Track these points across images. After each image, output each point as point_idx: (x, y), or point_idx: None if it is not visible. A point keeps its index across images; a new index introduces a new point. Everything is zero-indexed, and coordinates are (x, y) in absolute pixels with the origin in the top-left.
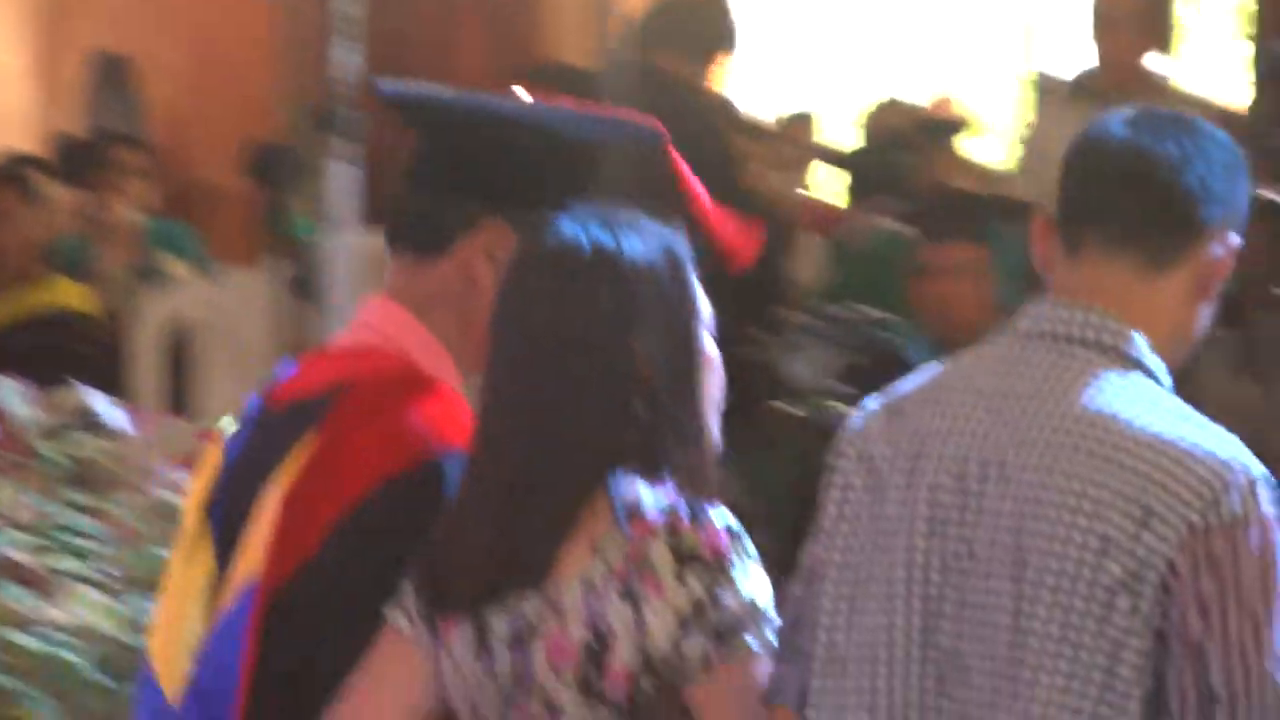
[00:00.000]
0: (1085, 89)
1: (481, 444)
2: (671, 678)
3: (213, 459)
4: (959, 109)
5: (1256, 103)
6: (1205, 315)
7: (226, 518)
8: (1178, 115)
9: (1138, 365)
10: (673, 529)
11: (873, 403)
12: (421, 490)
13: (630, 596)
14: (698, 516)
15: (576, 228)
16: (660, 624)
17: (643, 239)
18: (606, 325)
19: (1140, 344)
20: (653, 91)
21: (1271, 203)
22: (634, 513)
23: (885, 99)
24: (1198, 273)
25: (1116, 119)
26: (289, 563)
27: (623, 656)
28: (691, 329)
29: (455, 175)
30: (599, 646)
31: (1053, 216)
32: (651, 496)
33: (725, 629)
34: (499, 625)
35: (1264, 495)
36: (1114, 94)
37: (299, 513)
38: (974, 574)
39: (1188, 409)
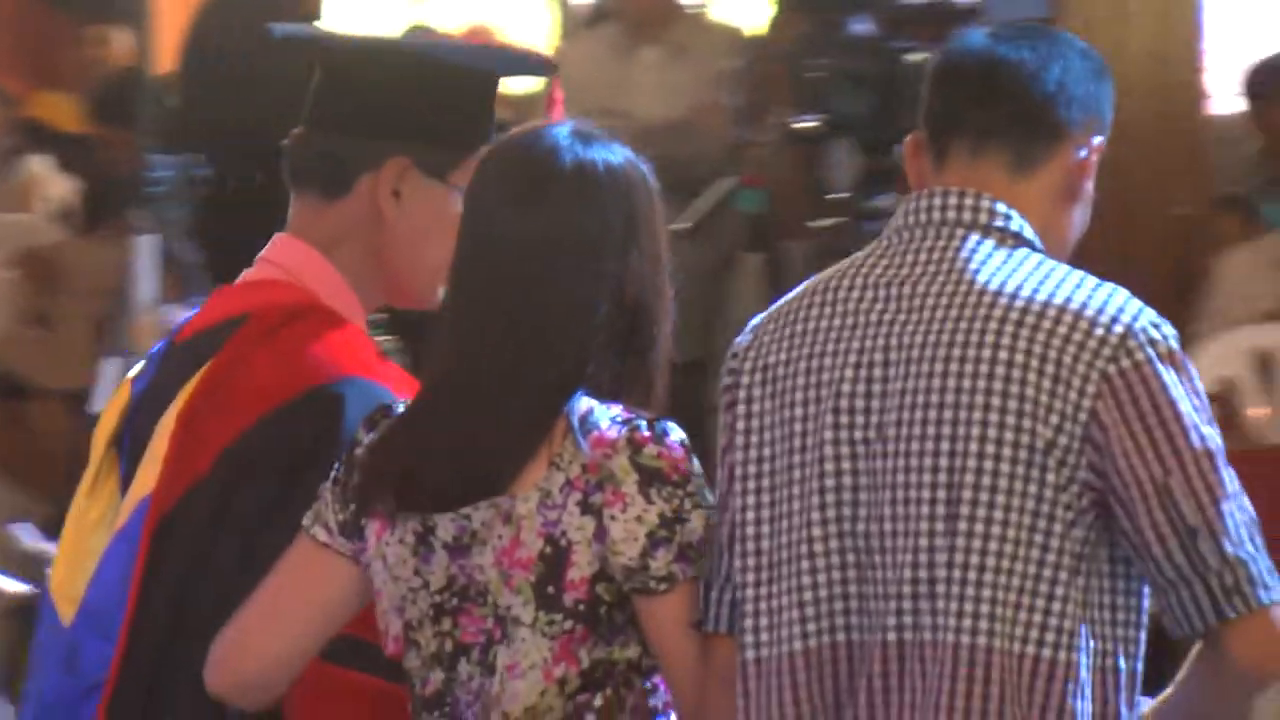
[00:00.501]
0: (607, 14)
1: (449, 353)
2: (632, 588)
3: (123, 395)
4: (494, 35)
5: (784, 32)
6: (1077, 217)
7: (130, 449)
8: (1037, 26)
9: (1021, 240)
10: (634, 443)
11: (758, 317)
12: (313, 416)
13: (590, 508)
14: (657, 433)
15: (558, 140)
16: (626, 535)
17: (620, 154)
18: (606, 239)
19: (1020, 221)
20: None
21: (802, 132)
22: (589, 427)
23: (415, 25)
24: (1063, 175)
25: (977, 33)
26: (180, 483)
27: (581, 565)
28: (663, 245)
29: (356, 113)
30: (556, 555)
31: (920, 133)
32: (604, 411)
33: (689, 547)
34: (444, 531)
35: (1167, 332)
36: (636, 18)
37: (192, 434)
38: (889, 456)
39: (1077, 273)
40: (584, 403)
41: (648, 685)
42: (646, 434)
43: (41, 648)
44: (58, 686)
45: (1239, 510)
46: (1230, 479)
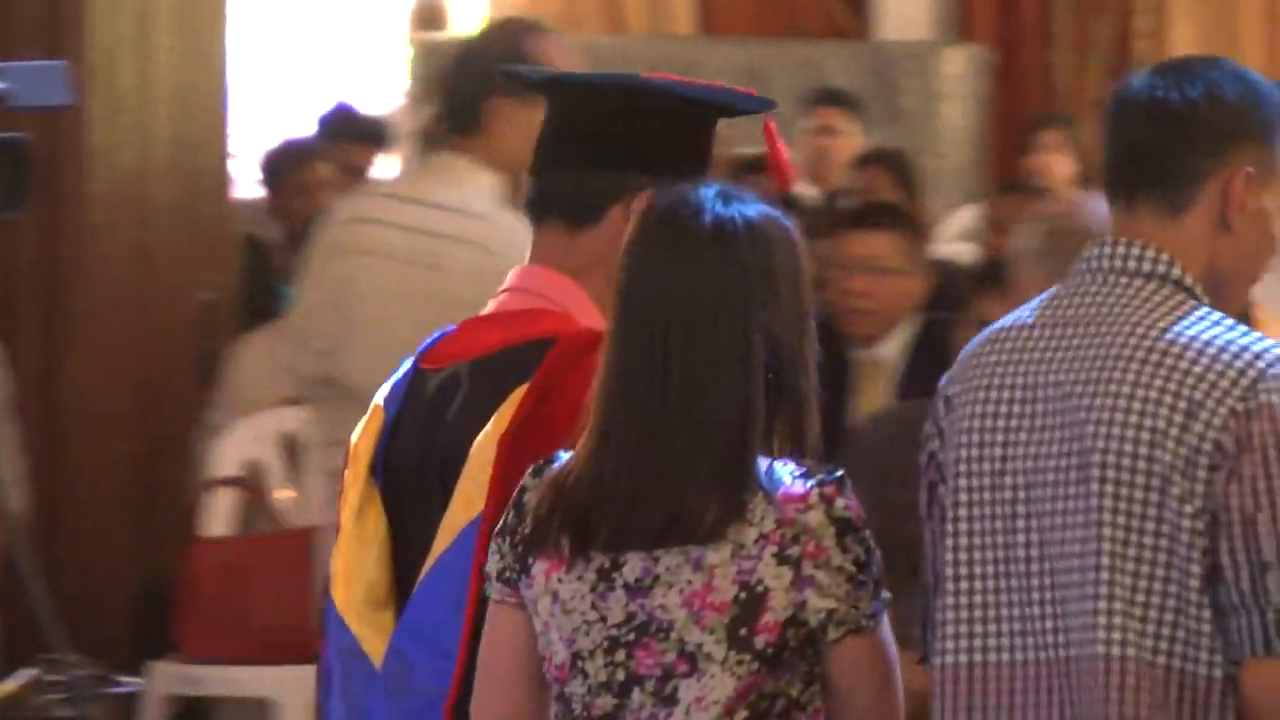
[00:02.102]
0: None
1: (617, 406)
2: (831, 632)
3: (375, 422)
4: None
5: None
6: (1247, 248)
7: (392, 473)
8: (1189, 61)
9: (1178, 285)
10: (825, 498)
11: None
12: None
13: (786, 560)
14: (841, 485)
15: (700, 200)
16: (832, 582)
17: (759, 211)
18: (744, 294)
19: (1179, 266)
20: None
21: None
22: (775, 483)
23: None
24: (1215, 208)
25: (1138, 77)
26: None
27: (776, 611)
28: (807, 301)
29: (600, 148)
30: (751, 601)
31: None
32: (783, 467)
33: (879, 584)
34: (629, 571)
35: None
36: None
37: (519, 456)
38: (1040, 486)
39: (1223, 317)
40: (761, 460)
41: (795, 717)
42: (833, 488)
43: (338, 669)
44: (386, 708)
45: None
46: None
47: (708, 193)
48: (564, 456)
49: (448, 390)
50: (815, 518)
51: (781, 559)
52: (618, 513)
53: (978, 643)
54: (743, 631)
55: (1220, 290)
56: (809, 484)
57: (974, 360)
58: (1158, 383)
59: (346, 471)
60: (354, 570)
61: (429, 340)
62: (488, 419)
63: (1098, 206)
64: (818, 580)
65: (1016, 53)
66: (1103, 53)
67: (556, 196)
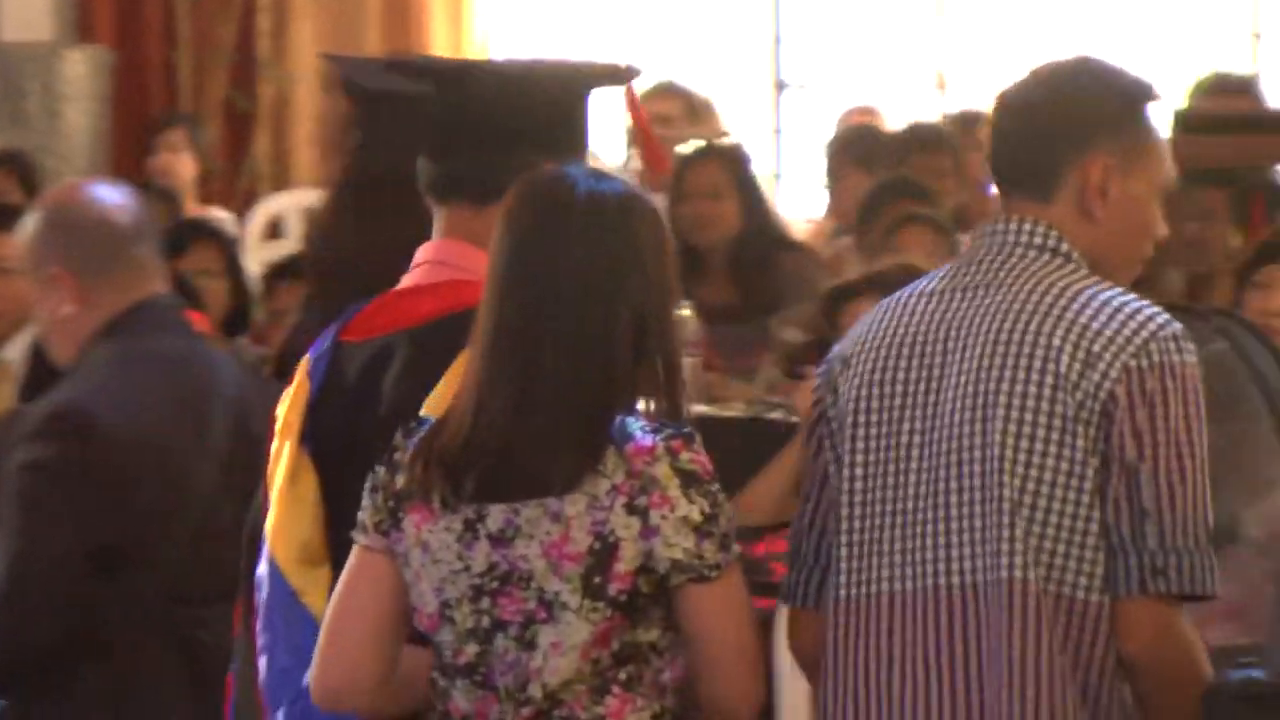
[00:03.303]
0: None
1: (488, 370)
2: (687, 578)
3: (300, 392)
4: None
5: None
6: (1114, 235)
7: (321, 440)
8: (1066, 61)
9: (1067, 258)
10: (671, 450)
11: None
12: None
13: (635, 510)
14: (687, 439)
15: (572, 178)
16: (674, 531)
17: (625, 189)
18: (611, 268)
19: (1067, 243)
20: None
21: None
22: (624, 437)
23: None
24: (1077, 197)
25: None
26: None
27: (626, 560)
28: (669, 271)
29: (497, 130)
30: (604, 551)
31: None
32: (634, 422)
33: (727, 536)
34: (492, 523)
35: (1186, 348)
36: None
37: None
38: (945, 429)
39: (1114, 285)
40: (620, 416)
41: (659, 664)
42: (679, 441)
43: (280, 619)
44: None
45: (1194, 511)
46: (1196, 484)
47: (579, 172)
48: (430, 419)
49: (380, 360)
50: (661, 469)
51: (631, 509)
52: (485, 467)
53: (866, 574)
54: (597, 579)
55: (1099, 273)
56: (656, 438)
57: (874, 323)
58: (1059, 333)
59: (275, 440)
60: (289, 529)
61: (345, 314)
62: (431, 383)
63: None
64: (663, 530)
65: (139, 53)
66: (225, 52)
67: (461, 177)
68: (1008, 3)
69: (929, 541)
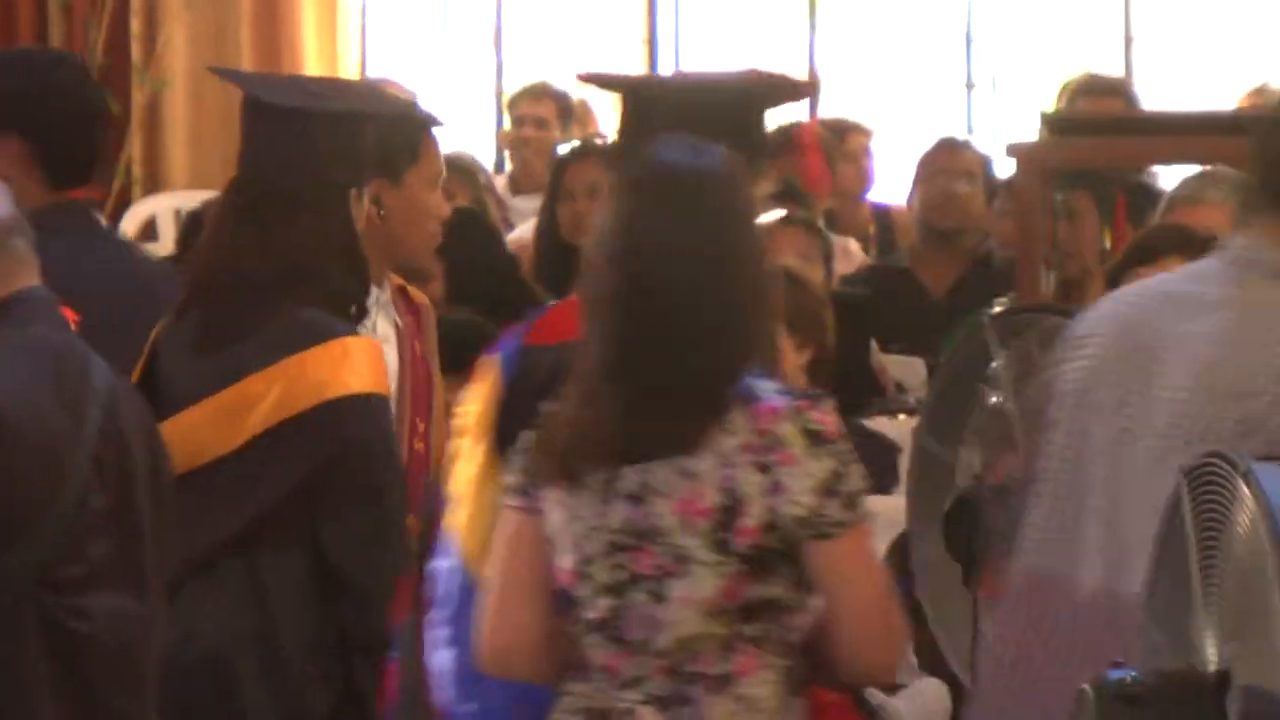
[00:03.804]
0: None
1: (613, 339)
2: (799, 536)
3: (491, 394)
4: None
5: None
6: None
7: (508, 439)
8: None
9: None
10: (797, 410)
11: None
12: None
13: (762, 467)
14: (814, 400)
15: (671, 149)
16: (800, 489)
17: (724, 156)
18: (722, 234)
19: None
20: None
21: None
22: (753, 398)
23: None
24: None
25: None
26: None
27: (753, 516)
28: (761, 235)
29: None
30: (732, 507)
31: None
32: (763, 385)
33: (853, 496)
34: (626, 482)
35: None
36: None
37: None
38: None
39: None
40: (743, 378)
41: (788, 622)
42: (806, 401)
43: (464, 616)
44: None
45: None
46: None
47: (681, 145)
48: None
49: (566, 364)
50: (788, 429)
51: (758, 467)
52: (617, 431)
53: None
54: (724, 535)
55: None
56: (785, 398)
57: (1114, 309)
58: None
59: (463, 439)
60: (479, 526)
61: (530, 318)
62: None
63: None
64: (789, 488)
65: None
66: (97, 57)
67: None
68: (880, 9)
69: (1103, 543)
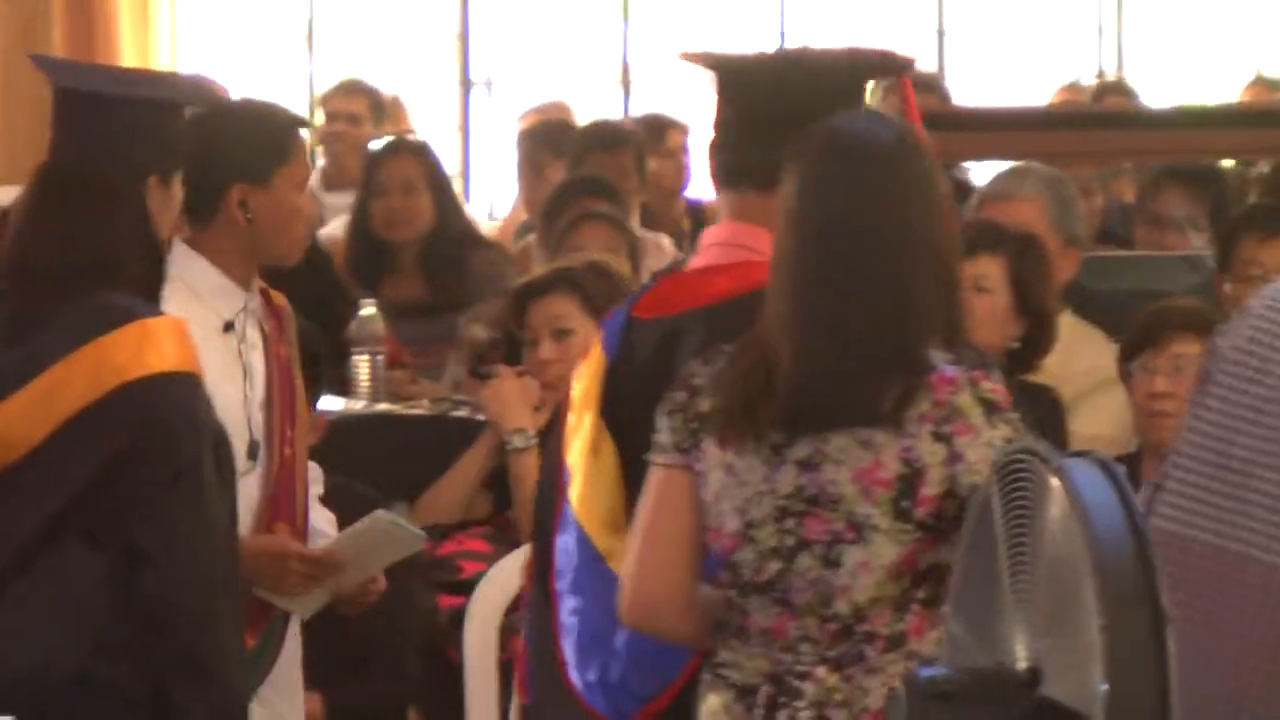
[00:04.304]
0: None
1: (794, 309)
2: None
3: (597, 367)
4: None
5: None
6: None
7: (616, 413)
8: None
9: None
10: (973, 380)
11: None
12: None
13: (941, 437)
14: (988, 369)
15: (851, 122)
16: (979, 458)
17: (906, 127)
18: (903, 205)
19: None
20: None
21: None
22: (931, 369)
23: None
24: None
25: None
26: None
27: (933, 484)
28: (947, 204)
29: (785, 120)
30: (912, 476)
31: None
32: (937, 355)
33: None
34: (799, 449)
35: None
36: None
37: None
38: None
39: None
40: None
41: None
42: (980, 371)
43: (589, 574)
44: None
45: None
46: None
47: (860, 118)
48: (726, 349)
49: (673, 336)
50: (964, 398)
51: (937, 436)
52: (796, 399)
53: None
54: (904, 504)
55: None
56: (959, 368)
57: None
58: None
59: (571, 413)
60: (593, 498)
61: (637, 292)
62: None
63: None
64: (967, 456)
65: None
66: None
67: (746, 165)
68: (692, 5)
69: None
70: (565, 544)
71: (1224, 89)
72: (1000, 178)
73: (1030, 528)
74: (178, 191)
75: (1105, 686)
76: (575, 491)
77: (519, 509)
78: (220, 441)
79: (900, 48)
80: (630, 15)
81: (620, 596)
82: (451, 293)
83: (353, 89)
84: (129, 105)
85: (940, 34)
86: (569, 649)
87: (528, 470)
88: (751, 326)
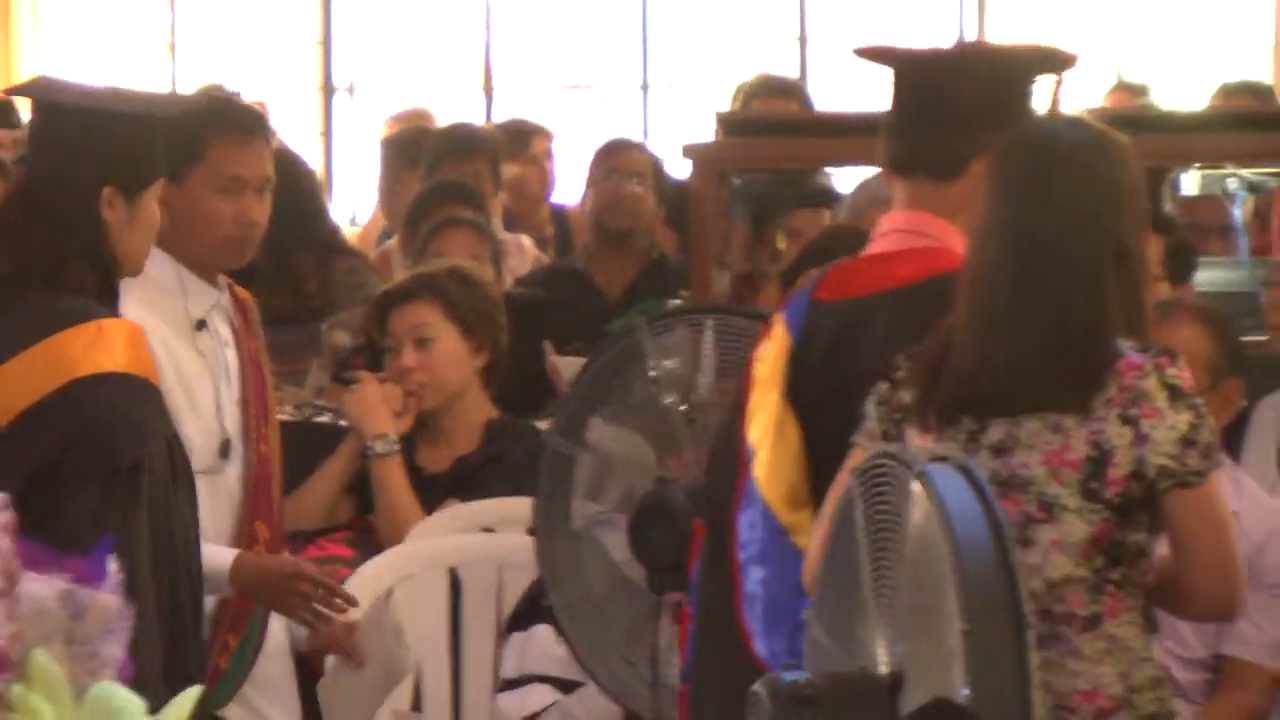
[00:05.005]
0: None
1: (989, 302)
2: (1161, 485)
3: (780, 348)
4: None
5: None
6: None
7: (799, 391)
8: None
9: None
10: (1159, 366)
11: None
12: None
13: (1128, 420)
14: (1171, 356)
15: (1054, 128)
16: (1164, 440)
17: (1101, 132)
18: (1095, 202)
19: None
20: None
21: None
22: (1118, 355)
23: None
24: None
25: None
26: None
27: (1120, 466)
28: (1140, 203)
29: (961, 113)
30: (1100, 458)
31: None
32: (1122, 343)
33: (1209, 447)
34: (992, 435)
35: None
36: None
37: None
38: None
39: None
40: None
41: (1144, 566)
42: (1165, 358)
43: (772, 547)
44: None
45: None
46: None
47: (1057, 121)
48: (925, 343)
49: (857, 318)
50: (1150, 383)
51: (1124, 420)
52: (989, 388)
53: None
54: (1093, 485)
55: None
56: (1145, 355)
57: None
58: None
59: (753, 393)
60: (777, 474)
61: (817, 274)
62: (914, 341)
63: None
64: (1153, 438)
65: None
66: None
67: (923, 155)
68: (557, 12)
69: None
70: (750, 518)
71: (1085, 93)
72: (868, 183)
73: (893, 533)
74: (148, 203)
75: (967, 691)
76: (760, 468)
77: (380, 514)
78: (173, 445)
79: (1062, 46)
80: (492, 22)
81: (806, 571)
82: (313, 299)
83: (214, 94)
84: (83, 116)
85: (802, 40)
86: (755, 619)
87: (389, 475)
88: (935, 311)
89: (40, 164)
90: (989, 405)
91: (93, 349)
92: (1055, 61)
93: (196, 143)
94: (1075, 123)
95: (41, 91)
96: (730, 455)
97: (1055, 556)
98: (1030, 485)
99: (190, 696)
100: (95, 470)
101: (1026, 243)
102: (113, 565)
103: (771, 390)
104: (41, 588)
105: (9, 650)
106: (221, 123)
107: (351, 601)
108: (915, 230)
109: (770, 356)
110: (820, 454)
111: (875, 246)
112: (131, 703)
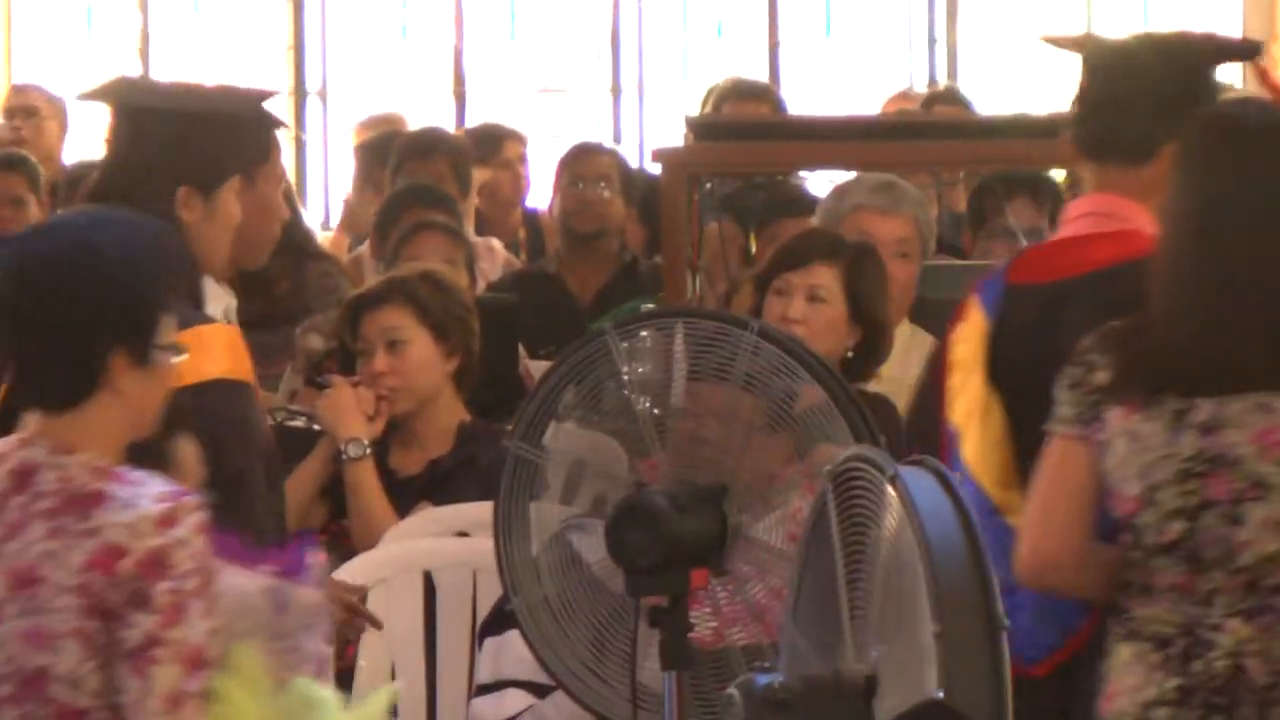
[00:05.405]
0: None
1: (1187, 283)
2: None
3: (976, 330)
4: None
5: None
6: None
7: (1001, 373)
8: None
9: None
10: None
11: None
12: None
13: None
14: None
15: (1241, 107)
16: None
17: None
18: None
19: None
20: None
21: None
22: None
23: None
24: None
25: None
26: None
27: None
28: None
29: (1152, 98)
30: None
31: None
32: None
33: None
34: (1198, 414)
35: None
36: None
37: None
38: None
39: None
40: None
41: None
42: None
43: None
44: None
45: None
46: None
47: (1248, 103)
48: (1116, 325)
49: (1057, 301)
50: None
51: None
52: (1193, 367)
53: None
54: None
55: None
56: None
57: None
58: None
59: (953, 375)
60: (987, 455)
61: (1010, 257)
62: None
63: None
64: None
65: None
66: None
67: (1115, 139)
68: (526, 14)
69: None
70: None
71: (1057, 98)
72: (868, 190)
73: (866, 536)
74: (226, 199)
75: (940, 694)
76: (969, 448)
77: (354, 518)
78: (270, 450)
79: (1241, 35)
80: (465, 26)
81: (1018, 556)
82: (286, 304)
83: None
84: (160, 117)
85: (773, 45)
86: None
87: (363, 479)
88: (1135, 293)
89: (115, 168)
90: (1194, 385)
91: (195, 356)
92: (1241, 49)
93: (264, 142)
94: (1262, 105)
95: (122, 94)
96: (930, 438)
97: (1266, 533)
98: (1240, 464)
99: (386, 694)
100: (217, 479)
101: (1223, 223)
102: (311, 559)
103: (974, 373)
104: (246, 582)
105: (208, 647)
106: (274, 121)
107: (376, 623)
108: (1108, 213)
109: (969, 340)
110: (1023, 435)
111: (1067, 230)
112: (329, 698)
